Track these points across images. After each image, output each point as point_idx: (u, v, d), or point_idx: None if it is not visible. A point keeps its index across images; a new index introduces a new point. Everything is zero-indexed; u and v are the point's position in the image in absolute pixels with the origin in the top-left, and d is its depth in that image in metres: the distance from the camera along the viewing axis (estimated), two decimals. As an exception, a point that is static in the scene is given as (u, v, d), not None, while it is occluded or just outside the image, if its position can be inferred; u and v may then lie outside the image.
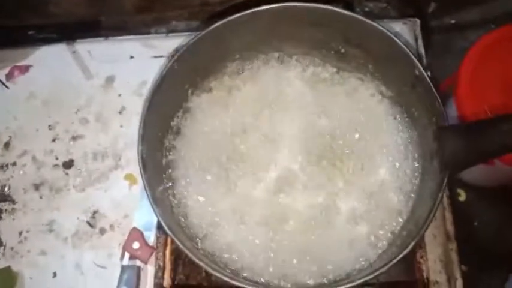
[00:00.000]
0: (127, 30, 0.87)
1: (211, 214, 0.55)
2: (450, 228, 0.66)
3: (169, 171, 0.57)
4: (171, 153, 0.58)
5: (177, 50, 0.52)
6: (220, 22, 0.52)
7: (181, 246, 0.45)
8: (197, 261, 0.45)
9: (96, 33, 0.84)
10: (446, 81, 0.84)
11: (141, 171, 0.48)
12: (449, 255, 0.64)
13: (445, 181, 0.45)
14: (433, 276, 0.63)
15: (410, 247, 0.43)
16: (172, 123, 0.58)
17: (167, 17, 1.02)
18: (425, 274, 0.62)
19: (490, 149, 0.42)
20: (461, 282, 0.64)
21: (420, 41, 0.74)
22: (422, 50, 0.73)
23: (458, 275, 0.64)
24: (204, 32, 0.52)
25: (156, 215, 0.46)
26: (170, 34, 0.80)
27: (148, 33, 0.82)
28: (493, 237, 0.88)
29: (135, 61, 0.76)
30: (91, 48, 0.78)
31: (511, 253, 0.84)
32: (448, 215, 0.66)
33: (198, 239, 0.54)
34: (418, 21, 0.76)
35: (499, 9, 0.95)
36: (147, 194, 0.47)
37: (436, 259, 0.64)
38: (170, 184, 0.56)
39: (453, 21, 1.00)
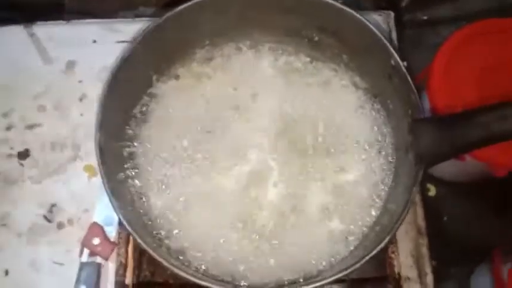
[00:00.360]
0: (91, 15, 0.82)
1: (177, 208, 0.52)
2: (421, 223, 0.65)
3: (132, 161, 0.53)
4: (133, 142, 0.54)
5: (141, 32, 0.49)
6: (189, 3, 0.49)
7: (141, 242, 0.42)
8: (158, 258, 0.42)
9: (58, 17, 0.79)
10: (419, 76, 0.84)
11: (98, 161, 0.44)
12: (420, 250, 0.64)
13: (420, 174, 0.44)
14: (404, 272, 0.62)
15: (384, 242, 0.42)
16: (135, 111, 0.55)
17: (135, 3, 0.98)
18: (396, 269, 0.61)
19: (467, 142, 0.41)
20: (432, 277, 0.63)
21: (394, 34, 0.73)
22: (395, 43, 0.72)
23: (428, 270, 0.63)
24: (170, 13, 0.49)
25: (114, 208, 0.43)
26: (137, 18, 0.76)
27: (114, 17, 0.78)
28: (461, 232, 0.89)
29: (98, 46, 0.72)
30: (51, 32, 0.74)
31: (479, 248, 0.84)
32: (419, 210, 0.65)
33: (161, 235, 0.50)
34: (392, 13, 0.75)
35: (471, 6, 0.96)
36: (104, 186, 0.44)
37: (407, 254, 0.63)
38: (132, 175, 0.52)
39: (425, 17, 1.00)
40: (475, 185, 0.84)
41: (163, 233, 0.51)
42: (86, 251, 0.61)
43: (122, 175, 0.51)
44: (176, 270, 0.42)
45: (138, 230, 0.44)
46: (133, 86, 0.52)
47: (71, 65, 0.72)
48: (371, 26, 0.48)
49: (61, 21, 0.75)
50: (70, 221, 0.65)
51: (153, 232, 0.50)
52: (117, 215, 0.43)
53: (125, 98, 0.51)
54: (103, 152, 0.45)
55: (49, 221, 0.65)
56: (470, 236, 0.88)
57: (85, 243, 0.62)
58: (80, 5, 0.97)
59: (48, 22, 0.75)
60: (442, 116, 0.44)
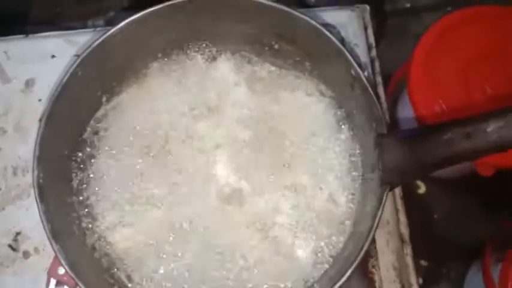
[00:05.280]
0: (57, 25, 0.79)
1: (133, 242, 0.49)
2: (405, 231, 0.61)
3: (82, 194, 0.50)
4: (83, 172, 0.51)
5: (80, 54, 0.45)
6: (131, 18, 0.45)
7: (83, 287, 0.39)
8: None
9: (19, 30, 0.75)
10: (400, 70, 0.80)
11: (36, 201, 0.41)
12: (404, 260, 0.60)
13: (385, 196, 0.40)
14: (386, 287, 0.58)
15: (348, 273, 0.38)
16: (84, 136, 0.51)
17: (105, 8, 0.94)
18: (378, 285, 0.57)
19: (431, 162, 0.37)
20: (417, 288, 0.60)
21: (370, 30, 0.68)
22: (372, 40, 0.67)
23: (414, 281, 0.60)
24: (111, 31, 0.45)
25: (54, 250, 0.40)
26: (98, 29, 0.72)
27: (73, 28, 0.74)
28: (452, 229, 0.87)
29: (57, 60, 0.68)
30: (8, 48, 0.70)
31: (470, 245, 0.82)
32: (402, 218, 0.61)
33: (114, 270, 0.47)
34: (367, 7, 0.70)
35: (456, -9, 0.91)
36: (44, 227, 0.40)
37: (389, 268, 0.59)
38: (83, 211, 0.49)
39: (408, 5, 0.95)
40: (465, 182, 0.81)
41: (116, 266, 0.47)
42: (53, 281, 0.59)
43: (69, 210, 0.47)
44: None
45: (83, 273, 0.40)
46: (80, 110, 0.49)
47: (30, 83, 0.69)
48: (328, 33, 0.44)
49: (19, 36, 0.72)
50: (36, 249, 0.62)
51: (107, 267, 0.47)
52: (59, 258, 0.40)
53: (70, 125, 0.48)
54: (42, 190, 0.41)
55: (14, 250, 0.62)
56: (460, 233, 0.85)
57: (51, 273, 0.59)
58: (47, 14, 0.94)
59: (5, 38, 0.71)
60: (406, 132, 0.40)
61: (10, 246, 0.62)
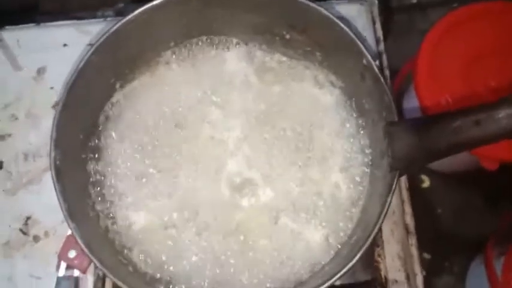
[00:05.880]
0: (68, 15, 0.79)
1: (144, 225, 0.50)
2: (410, 222, 0.62)
3: (97, 176, 0.51)
4: (98, 155, 0.52)
5: (95, 42, 0.46)
6: (145, 7, 0.46)
7: (99, 264, 0.40)
8: (117, 281, 0.39)
9: (30, 19, 0.76)
10: (407, 65, 0.81)
11: (53, 181, 0.42)
12: (408, 250, 0.61)
13: (395, 183, 0.41)
14: (391, 275, 0.59)
15: (355, 260, 0.39)
16: (99, 121, 0.52)
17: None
18: (383, 273, 0.59)
19: (439, 148, 0.38)
20: (421, 278, 0.61)
21: (378, 24, 0.69)
22: (380, 34, 0.68)
23: (418, 270, 0.61)
24: (126, 18, 0.46)
25: (71, 229, 0.41)
26: (108, 18, 0.72)
27: (83, 18, 0.75)
28: (456, 224, 0.87)
29: (69, 49, 0.69)
30: (20, 37, 0.71)
31: (473, 239, 0.82)
32: (408, 209, 0.62)
33: (128, 252, 0.48)
34: (376, 1, 0.70)
35: (462, -13, 0.92)
36: (61, 207, 0.41)
37: (394, 257, 0.60)
38: (97, 191, 0.50)
39: (415, 1, 0.96)
40: (469, 176, 0.82)
41: (129, 249, 0.48)
42: (63, 264, 0.60)
43: (84, 192, 0.48)
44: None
45: (97, 251, 0.41)
46: (94, 95, 0.50)
47: (41, 71, 0.70)
48: (340, 23, 0.45)
49: (30, 25, 0.73)
50: (46, 234, 0.63)
51: (120, 249, 0.48)
52: (75, 236, 0.41)
53: (84, 110, 0.48)
54: (59, 172, 0.42)
55: (25, 234, 0.63)
56: (464, 227, 0.86)
57: (61, 256, 0.60)
58: (56, 5, 0.94)
59: (17, 26, 0.72)
60: (415, 120, 0.41)
61: (21, 230, 0.63)
